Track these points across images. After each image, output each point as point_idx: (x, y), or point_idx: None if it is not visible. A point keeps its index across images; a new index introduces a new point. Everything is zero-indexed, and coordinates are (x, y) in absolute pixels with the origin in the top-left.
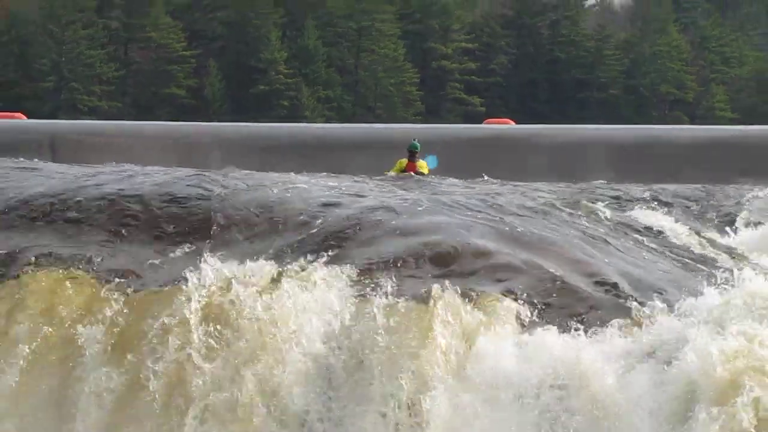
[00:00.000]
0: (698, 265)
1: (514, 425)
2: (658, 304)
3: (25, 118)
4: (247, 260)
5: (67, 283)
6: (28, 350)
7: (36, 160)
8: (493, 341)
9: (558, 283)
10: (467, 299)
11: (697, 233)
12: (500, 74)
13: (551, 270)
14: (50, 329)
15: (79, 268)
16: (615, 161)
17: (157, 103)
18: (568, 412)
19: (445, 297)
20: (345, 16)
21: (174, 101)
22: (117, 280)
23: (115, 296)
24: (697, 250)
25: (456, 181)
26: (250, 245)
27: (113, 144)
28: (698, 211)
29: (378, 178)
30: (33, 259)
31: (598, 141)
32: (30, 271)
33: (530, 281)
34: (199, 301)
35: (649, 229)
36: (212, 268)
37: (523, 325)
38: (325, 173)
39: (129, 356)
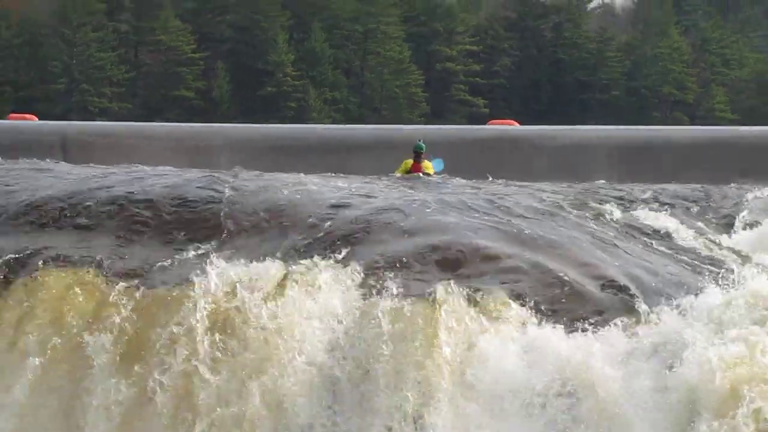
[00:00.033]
0: (700, 265)
1: None
2: (662, 306)
3: (36, 119)
4: (255, 263)
5: (77, 289)
6: (37, 362)
7: (48, 160)
8: (499, 349)
9: (565, 288)
10: (473, 304)
11: (699, 233)
12: (504, 76)
13: (557, 272)
14: (59, 340)
15: (88, 273)
16: (617, 162)
17: (167, 105)
18: (573, 422)
19: (450, 301)
20: (351, 18)
21: (183, 103)
22: (126, 284)
23: (123, 301)
24: (699, 249)
25: (462, 181)
26: (259, 247)
27: (123, 145)
28: (699, 211)
29: (386, 178)
30: (41, 263)
31: (600, 142)
32: (38, 278)
33: (536, 285)
34: (206, 308)
35: (651, 229)
36: (219, 272)
37: (528, 332)
38: (332, 173)
39: (137, 367)
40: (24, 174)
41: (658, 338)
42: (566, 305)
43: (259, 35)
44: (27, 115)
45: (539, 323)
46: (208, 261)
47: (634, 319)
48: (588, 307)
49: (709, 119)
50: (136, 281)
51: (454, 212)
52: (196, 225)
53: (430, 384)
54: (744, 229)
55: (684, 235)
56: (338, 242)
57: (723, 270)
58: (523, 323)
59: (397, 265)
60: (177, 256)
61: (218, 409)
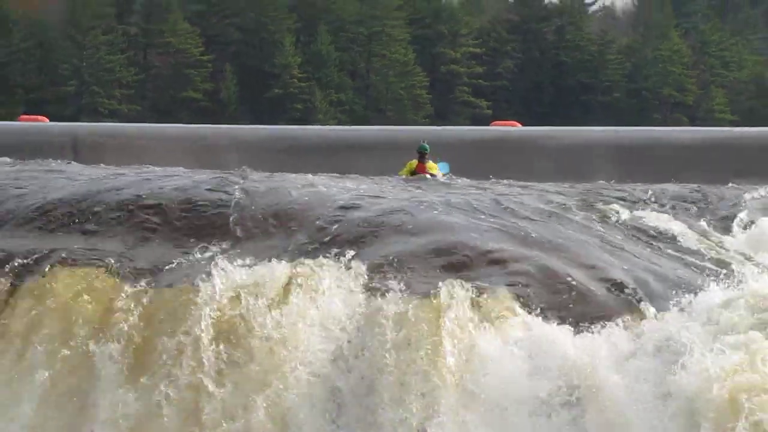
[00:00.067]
0: (700, 265)
1: None
2: (661, 309)
3: (47, 121)
4: (260, 266)
5: (85, 296)
6: (46, 375)
7: (59, 161)
8: (503, 356)
9: (572, 292)
10: (477, 309)
11: (698, 232)
12: (507, 78)
13: (562, 275)
14: (67, 351)
15: (96, 277)
16: (618, 162)
17: (175, 107)
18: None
19: (454, 306)
20: (356, 21)
21: (191, 104)
22: (133, 289)
23: (131, 306)
24: (698, 249)
25: (467, 182)
26: (266, 250)
27: (133, 146)
28: (698, 211)
29: (392, 178)
30: (48, 269)
31: (601, 142)
32: (46, 284)
33: (541, 289)
34: (211, 316)
35: (652, 229)
36: (225, 276)
37: (533, 337)
38: (338, 174)
39: (144, 379)
40: (36, 175)
41: (660, 342)
42: (571, 309)
43: (266, 38)
44: (38, 117)
45: (544, 328)
46: (214, 264)
47: (635, 323)
48: (591, 311)
49: (708, 120)
50: (144, 285)
51: (461, 213)
52: (205, 227)
53: (434, 396)
54: (742, 228)
55: (684, 234)
56: (344, 245)
57: (723, 270)
58: (529, 329)
59: (402, 268)
60: (185, 259)
61: (223, 423)
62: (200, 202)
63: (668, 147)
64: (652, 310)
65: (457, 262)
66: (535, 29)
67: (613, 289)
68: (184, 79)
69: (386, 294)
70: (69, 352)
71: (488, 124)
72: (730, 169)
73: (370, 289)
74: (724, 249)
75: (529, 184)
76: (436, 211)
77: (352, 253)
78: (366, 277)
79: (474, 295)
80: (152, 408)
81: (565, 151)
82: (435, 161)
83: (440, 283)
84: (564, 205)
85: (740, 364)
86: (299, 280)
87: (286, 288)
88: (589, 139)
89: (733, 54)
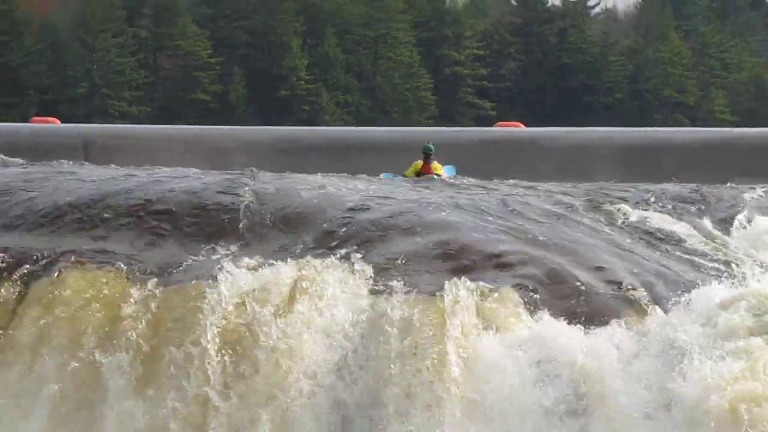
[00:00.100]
0: (703, 265)
1: None
2: (664, 310)
3: (59, 122)
4: (267, 270)
5: (95, 304)
6: (56, 388)
7: (71, 162)
8: (510, 367)
9: (582, 298)
10: (483, 315)
11: (700, 232)
12: (510, 79)
13: (570, 279)
14: (76, 363)
15: (105, 283)
16: (619, 162)
17: (185, 108)
18: None
19: (460, 313)
20: (362, 24)
21: (200, 106)
22: (142, 293)
23: (140, 313)
24: (701, 249)
25: (473, 182)
26: (274, 252)
27: (143, 146)
28: (699, 211)
29: (399, 179)
30: (57, 274)
31: (603, 143)
32: (54, 292)
33: (549, 293)
34: (217, 325)
35: (654, 229)
36: (232, 282)
37: (540, 344)
38: (345, 174)
39: (151, 391)
40: (48, 176)
41: (661, 348)
42: (578, 312)
43: (273, 41)
44: (50, 119)
45: (551, 333)
46: (221, 269)
47: (640, 326)
48: (597, 315)
49: (709, 121)
50: (152, 289)
51: (468, 215)
52: (214, 229)
53: (440, 407)
54: (743, 228)
55: (686, 234)
56: (351, 247)
57: (725, 270)
58: (535, 334)
59: (407, 271)
60: (194, 262)
61: None
62: (210, 205)
63: (669, 147)
64: (654, 312)
65: (464, 266)
66: (538, 32)
67: (618, 292)
68: (193, 82)
69: (391, 298)
70: (78, 365)
71: (492, 125)
72: (730, 169)
73: (375, 293)
74: (725, 248)
75: (534, 184)
76: (443, 213)
77: (358, 256)
78: (371, 280)
79: (480, 300)
80: (159, 422)
81: (567, 151)
82: (442, 164)
83: (445, 288)
84: (569, 205)
85: (741, 372)
86: (304, 284)
87: (292, 294)
88: (591, 139)
89: (733, 56)
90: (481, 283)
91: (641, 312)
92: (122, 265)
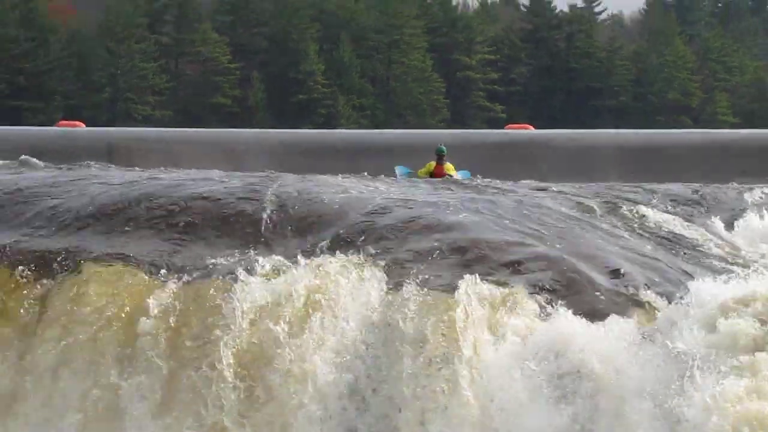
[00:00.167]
0: (707, 266)
1: None
2: (667, 318)
3: (84, 126)
4: (282, 282)
5: (113, 326)
6: (78, 417)
7: (97, 164)
8: (525, 386)
9: (599, 306)
10: (496, 332)
11: (702, 230)
12: (520, 83)
13: (584, 284)
14: (97, 391)
15: (125, 297)
16: (625, 162)
17: (205, 112)
18: None
19: (472, 328)
20: (377, 30)
21: (221, 110)
22: (159, 307)
23: (159, 330)
24: (704, 249)
25: (487, 182)
26: (291, 258)
27: (165, 149)
28: (701, 210)
29: (415, 180)
30: (73, 293)
31: (610, 144)
32: (75, 309)
33: (568, 302)
34: (232, 346)
35: (661, 228)
36: (246, 296)
37: (553, 363)
38: (364, 174)
39: (169, 419)
40: (72, 180)
41: (663, 361)
42: (590, 318)
43: (291, 46)
44: (76, 123)
45: (564, 353)
46: (238, 279)
47: (646, 328)
48: (614, 320)
49: (711, 123)
50: (171, 301)
51: (491, 222)
52: (235, 233)
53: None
54: (746, 227)
55: (689, 234)
56: (368, 254)
57: (728, 273)
58: (550, 348)
59: (422, 280)
60: (213, 269)
61: None
62: (232, 210)
63: (672, 148)
64: (658, 318)
65: (479, 270)
66: (547, 37)
67: (627, 294)
68: (213, 86)
69: (405, 309)
70: (99, 392)
71: (503, 127)
72: (732, 170)
73: (388, 305)
74: (727, 248)
75: (547, 185)
76: (460, 216)
77: (373, 261)
78: (385, 288)
79: (492, 312)
80: None
81: (574, 152)
82: (456, 169)
83: (458, 299)
84: (585, 207)
85: (745, 390)
86: (318, 297)
87: (306, 308)
88: (597, 141)
89: (735, 60)
90: (496, 291)
91: (651, 319)
92: (145, 276)
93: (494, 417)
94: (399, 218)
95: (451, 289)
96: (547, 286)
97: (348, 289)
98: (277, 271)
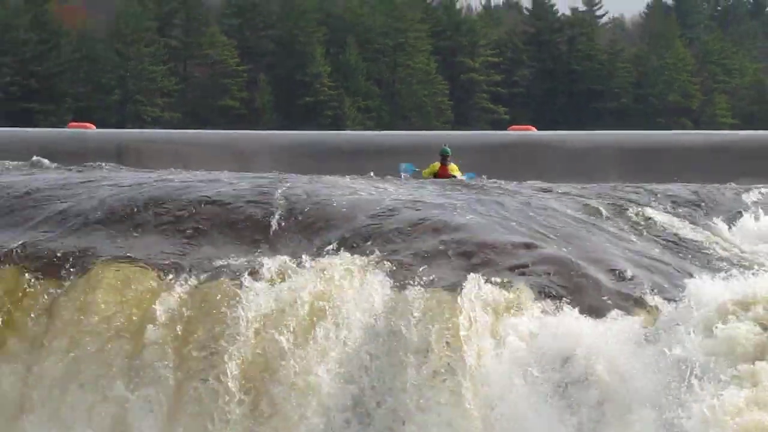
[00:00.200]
0: (709, 267)
1: None
2: (665, 325)
3: (94, 128)
4: (287, 290)
5: (122, 340)
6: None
7: (106, 166)
8: (529, 397)
9: (595, 308)
10: (499, 338)
11: (703, 231)
12: (523, 85)
13: (591, 290)
14: (106, 406)
15: (132, 306)
16: (626, 163)
17: (214, 114)
18: None
19: (475, 338)
20: (382, 33)
21: (229, 112)
22: (166, 314)
23: (167, 343)
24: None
25: (492, 183)
26: (297, 261)
27: (174, 150)
28: (701, 210)
29: (423, 181)
30: (82, 297)
31: (611, 145)
32: (83, 321)
33: (573, 304)
34: (237, 356)
35: (665, 229)
36: (253, 301)
37: (559, 369)
38: (370, 174)
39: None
40: (82, 181)
41: (662, 372)
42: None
43: (298, 49)
44: (86, 124)
45: (566, 362)
46: (243, 286)
47: (648, 336)
48: (620, 322)
49: (711, 124)
50: (177, 308)
51: (494, 222)
52: (244, 235)
53: None
54: (745, 228)
55: (690, 234)
56: (373, 258)
57: (727, 272)
58: (554, 360)
59: (427, 282)
60: (221, 271)
61: None
62: (241, 213)
63: (672, 150)
64: (660, 321)
65: (484, 272)
66: (549, 40)
67: (634, 297)
68: (221, 88)
69: (409, 317)
70: (108, 407)
71: (506, 129)
72: (731, 171)
73: (391, 311)
74: (727, 249)
75: (552, 185)
76: (467, 218)
77: (377, 265)
78: (390, 295)
79: (495, 319)
80: None
81: (576, 153)
82: (462, 172)
83: (460, 307)
84: (588, 207)
85: (745, 400)
86: (321, 304)
87: (310, 316)
88: (598, 142)
89: (735, 62)
90: (500, 297)
91: (654, 323)
92: (153, 284)
93: (495, 426)
94: (407, 220)
95: (456, 294)
96: (553, 292)
97: (352, 295)
98: (282, 276)
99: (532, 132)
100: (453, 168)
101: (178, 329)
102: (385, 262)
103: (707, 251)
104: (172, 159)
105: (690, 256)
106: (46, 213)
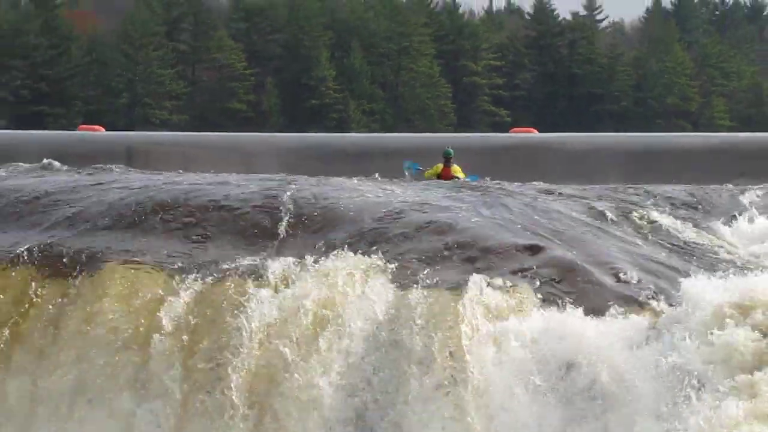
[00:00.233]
0: (709, 268)
1: None
2: (661, 334)
3: (104, 130)
4: (291, 298)
5: (128, 353)
6: None
7: (117, 167)
8: (533, 406)
9: (599, 311)
10: (503, 350)
11: (703, 231)
12: (524, 88)
13: (599, 295)
14: (113, 422)
15: (137, 316)
16: (626, 165)
17: (221, 117)
18: None
19: (477, 348)
20: (386, 38)
21: (236, 115)
22: (172, 323)
23: (173, 359)
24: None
25: (496, 184)
26: (302, 266)
27: (182, 153)
28: (700, 210)
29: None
30: (89, 309)
31: (611, 147)
32: (89, 331)
33: (577, 307)
34: (242, 368)
35: (666, 231)
36: (258, 311)
37: (559, 379)
38: (375, 176)
39: None
40: (92, 184)
41: (660, 382)
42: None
43: (303, 53)
44: (96, 127)
45: (568, 371)
46: (248, 296)
47: (650, 341)
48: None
49: (710, 127)
50: (183, 316)
51: (498, 226)
52: (250, 238)
53: None
54: (744, 228)
55: (690, 235)
56: (378, 262)
57: (727, 272)
58: (558, 368)
59: (430, 287)
60: (226, 276)
61: None
62: (249, 216)
63: (671, 151)
64: (661, 323)
65: (488, 274)
66: (550, 44)
67: (636, 302)
68: (229, 92)
69: (412, 324)
70: (115, 422)
71: (508, 131)
72: (729, 172)
73: (394, 320)
74: (726, 244)
75: (556, 187)
76: (473, 222)
77: (382, 270)
78: (394, 300)
79: (499, 334)
80: None
81: (576, 155)
82: (465, 174)
83: (462, 315)
84: (592, 209)
85: (744, 412)
86: (324, 312)
87: (314, 327)
88: (598, 144)
89: (732, 65)
90: (503, 303)
91: (658, 327)
92: (159, 291)
93: None
94: (413, 223)
95: (459, 300)
96: (557, 296)
97: (355, 302)
98: (286, 281)
99: (534, 134)
100: (456, 169)
101: (184, 339)
102: (391, 267)
103: (708, 253)
104: (181, 161)
105: (693, 258)
106: (54, 217)
